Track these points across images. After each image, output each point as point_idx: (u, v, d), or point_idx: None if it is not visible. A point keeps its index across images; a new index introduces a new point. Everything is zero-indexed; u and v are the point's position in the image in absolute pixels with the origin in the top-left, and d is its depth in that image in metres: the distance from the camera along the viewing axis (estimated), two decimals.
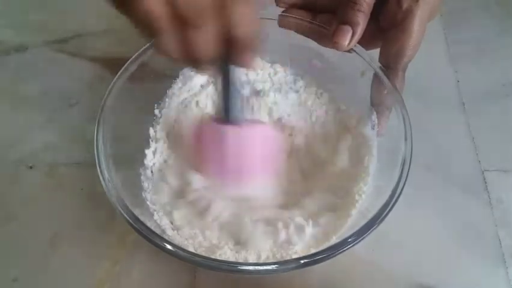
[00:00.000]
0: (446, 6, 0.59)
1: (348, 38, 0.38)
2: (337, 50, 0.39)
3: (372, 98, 0.42)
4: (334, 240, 0.35)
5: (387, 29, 0.39)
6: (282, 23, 0.43)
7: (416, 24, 0.37)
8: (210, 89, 0.46)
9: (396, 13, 0.38)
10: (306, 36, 0.43)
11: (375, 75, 0.40)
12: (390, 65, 0.40)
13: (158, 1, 0.24)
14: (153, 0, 0.24)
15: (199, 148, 0.39)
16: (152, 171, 0.42)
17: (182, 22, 0.24)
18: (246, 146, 0.37)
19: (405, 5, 0.37)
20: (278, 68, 0.48)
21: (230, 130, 0.36)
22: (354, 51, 0.40)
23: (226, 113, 0.35)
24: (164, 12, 0.24)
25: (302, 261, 0.32)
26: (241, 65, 0.30)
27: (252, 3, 0.25)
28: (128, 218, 0.33)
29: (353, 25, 0.38)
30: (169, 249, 0.32)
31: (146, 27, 0.25)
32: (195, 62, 0.27)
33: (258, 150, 0.38)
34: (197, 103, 0.45)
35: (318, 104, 0.46)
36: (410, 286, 0.40)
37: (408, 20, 0.38)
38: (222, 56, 0.27)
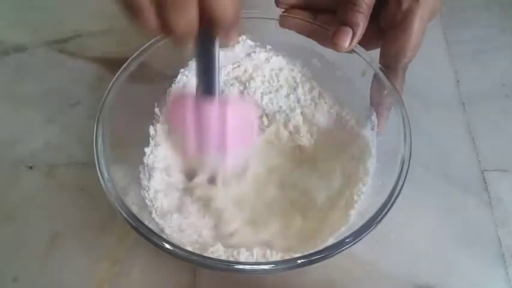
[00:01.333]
0: (446, 6, 0.58)
1: (348, 39, 0.38)
2: (337, 51, 0.39)
3: (372, 98, 0.42)
4: (332, 240, 0.35)
5: (387, 29, 0.39)
6: (283, 23, 0.43)
7: (417, 24, 0.37)
8: None
9: (396, 13, 0.38)
10: (306, 36, 0.43)
11: (375, 75, 0.40)
12: (390, 65, 0.40)
13: None
14: None
15: (180, 120, 0.39)
16: (152, 170, 0.41)
17: (162, 1, 0.26)
18: (228, 119, 0.38)
19: (405, 5, 0.37)
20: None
21: (212, 103, 0.36)
22: (355, 51, 0.40)
23: (205, 87, 0.36)
24: None
25: (299, 261, 0.32)
26: (223, 40, 0.31)
27: None
28: (128, 218, 0.33)
29: (353, 26, 0.38)
30: (168, 248, 0.32)
31: (126, 6, 0.26)
32: (174, 38, 0.28)
33: (240, 121, 0.39)
34: None
35: (318, 104, 0.46)
36: (410, 286, 0.40)
37: (408, 20, 0.37)
38: (201, 30, 0.28)
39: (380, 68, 0.40)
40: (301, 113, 0.46)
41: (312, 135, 0.45)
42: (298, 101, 0.46)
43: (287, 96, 0.47)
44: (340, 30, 0.38)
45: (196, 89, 0.37)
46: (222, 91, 0.38)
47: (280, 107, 0.46)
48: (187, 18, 0.26)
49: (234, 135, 0.38)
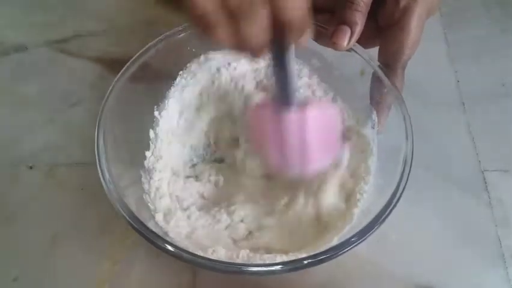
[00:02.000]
0: (446, 6, 0.59)
1: (346, 38, 0.38)
2: (336, 50, 0.39)
3: (372, 97, 0.42)
4: (336, 240, 0.35)
5: (385, 27, 0.39)
6: None
7: (415, 22, 0.38)
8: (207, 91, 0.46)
9: (394, 11, 0.38)
10: None
11: (374, 74, 0.40)
12: (389, 64, 0.40)
13: None
14: None
15: (260, 134, 0.37)
16: (152, 173, 0.41)
17: (233, 14, 0.25)
18: (311, 129, 0.35)
19: (403, 3, 0.38)
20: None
21: (293, 114, 0.34)
22: (354, 50, 0.41)
23: (285, 96, 0.33)
24: (215, 6, 0.25)
25: (305, 262, 0.32)
26: (295, 44, 0.30)
27: None
28: (128, 218, 0.33)
29: (351, 25, 0.38)
30: (168, 249, 0.32)
31: (199, 22, 0.26)
32: (249, 50, 0.28)
33: (323, 131, 0.36)
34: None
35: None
36: (410, 286, 0.40)
37: (406, 17, 0.38)
38: (274, 39, 0.28)
39: (379, 67, 0.40)
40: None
41: None
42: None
43: None
44: (338, 29, 0.38)
45: (275, 99, 0.34)
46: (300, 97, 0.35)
47: None
48: (260, 27, 0.26)
49: (319, 145, 0.36)
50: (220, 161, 0.46)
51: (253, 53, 0.28)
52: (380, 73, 0.40)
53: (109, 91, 0.39)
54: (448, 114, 0.51)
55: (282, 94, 0.33)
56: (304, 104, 0.34)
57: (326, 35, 0.40)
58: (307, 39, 0.30)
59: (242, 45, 0.27)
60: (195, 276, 0.40)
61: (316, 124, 0.34)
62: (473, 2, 0.60)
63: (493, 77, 0.54)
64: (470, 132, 0.49)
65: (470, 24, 0.58)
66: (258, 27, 0.26)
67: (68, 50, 0.54)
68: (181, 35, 0.42)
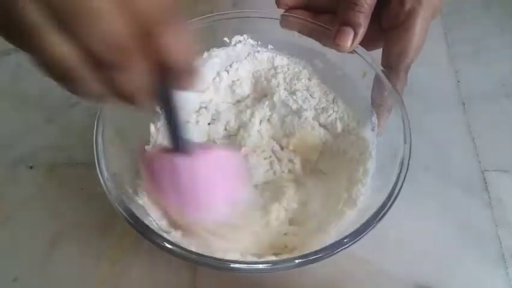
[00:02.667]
0: (446, 6, 0.59)
1: (350, 39, 0.38)
2: (339, 51, 0.39)
3: (373, 99, 0.42)
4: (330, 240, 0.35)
5: (389, 29, 0.39)
6: (285, 23, 0.43)
7: (419, 25, 0.37)
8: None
9: (399, 13, 0.38)
10: (308, 36, 0.43)
11: (376, 76, 0.40)
12: (392, 66, 0.39)
13: (66, 46, 0.20)
14: (59, 47, 0.20)
15: (155, 182, 0.34)
16: None
17: (103, 65, 0.21)
18: (205, 174, 0.33)
19: (408, 6, 0.37)
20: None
21: (184, 160, 0.31)
22: (356, 52, 0.40)
23: (175, 142, 0.31)
24: (78, 57, 0.20)
25: (297, 261, 0.32)
26: (182, 89, 0.26)
27: (182, 25, 0.22)
28: (128, 217, 0.33)
29: (355, 26, 0.38)
30: (168, 247, 0.32)
31: (60, 76, 0.21)
32: (130, 100, 0.24)
33: (218, 176, 0.34)
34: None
35: (320, 104, 0.46)
36: (410, 286, 0.40)
37: (411, 20, 0.37)
38: (159, 84, 0.24)
39: (382, 71, 0.40)
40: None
41: (312, 136, 0.45)
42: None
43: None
44: (341, 30, 0.38)
45: (169, 147, 0.31)
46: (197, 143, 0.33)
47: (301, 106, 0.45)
48: (140, 75, 0.22)
49: (221, 186, 0.34)
50: None
51: (133, 103, 0.24)
52: (382, 76, 0.40)
53: None
54: (448, 114, 0.51)
55: (173, 140, 0.30)
56: (202, 150, 0.32)
57: (328, 35, 0.40)
58: (195, 83, 0.25)
59: (119, 97, 0.23)
60: (194, 274, 0.40)
61: (212, 169, 0.33)
62: (474, 2, 0.60)
63: (493, 77, 0.54)
64: (470, 132, 0.49)
65: (470, 25, 0.58)
66: (137, 77, 0.22)
67: None
68: None
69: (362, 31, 0.38)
